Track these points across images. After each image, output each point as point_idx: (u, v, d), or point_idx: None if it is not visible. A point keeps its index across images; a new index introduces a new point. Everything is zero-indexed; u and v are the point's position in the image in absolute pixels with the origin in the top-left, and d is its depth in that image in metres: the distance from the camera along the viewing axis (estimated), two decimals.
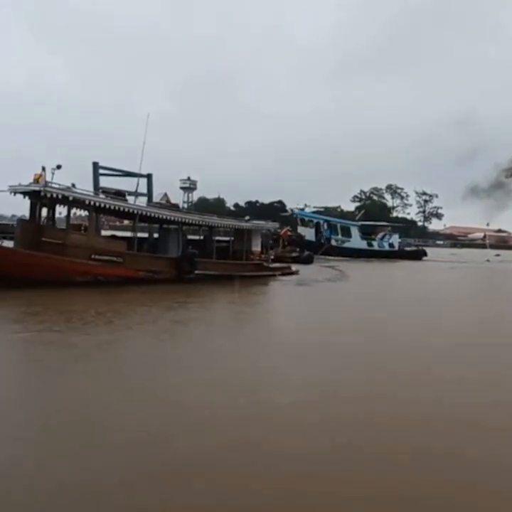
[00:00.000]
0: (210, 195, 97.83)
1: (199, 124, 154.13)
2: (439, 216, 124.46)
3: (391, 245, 44.71)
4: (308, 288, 18.35)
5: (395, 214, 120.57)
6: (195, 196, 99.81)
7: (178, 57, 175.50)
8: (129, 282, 14.50)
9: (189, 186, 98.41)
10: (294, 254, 29.32)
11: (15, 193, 14.78)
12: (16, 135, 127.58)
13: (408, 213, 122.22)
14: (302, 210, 46.09)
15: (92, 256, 14.40)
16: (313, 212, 45.47)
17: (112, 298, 12.64)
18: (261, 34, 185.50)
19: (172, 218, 17.19)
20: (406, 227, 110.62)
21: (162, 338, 8.50)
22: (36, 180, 14.02)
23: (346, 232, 42.99)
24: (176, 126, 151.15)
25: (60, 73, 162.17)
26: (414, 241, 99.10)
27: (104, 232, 20.58)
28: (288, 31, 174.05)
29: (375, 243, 44.34)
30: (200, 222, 18.53)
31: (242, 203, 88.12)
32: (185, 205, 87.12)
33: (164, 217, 16.97)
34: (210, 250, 18.61)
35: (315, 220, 42.48)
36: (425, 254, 45.43)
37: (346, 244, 41.54)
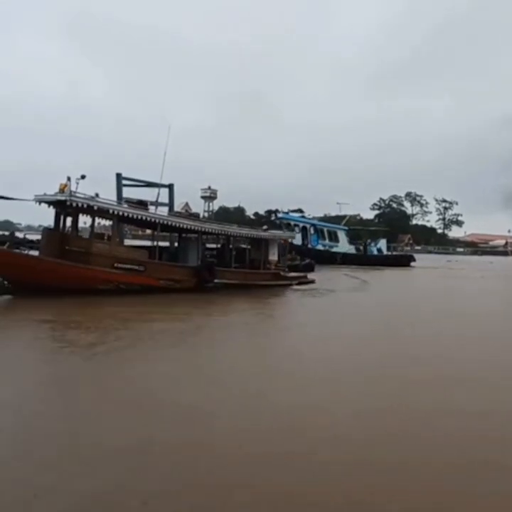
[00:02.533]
0: (231, 204, 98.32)
1: (231, 136, 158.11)
2: (459, 223, 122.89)
3: (379, 251, 43.10)
4: (329, 298, 17.76)
5: (414, 221, 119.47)
6: (216, 205, 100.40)
7: (214, 70, 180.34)
8: (151, 291, 14.52)
9: (210, 195, 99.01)
10: (294, 262, 27.84)
11: (40, 203, 14.83)
12: (50, 145, 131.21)
13: (428, 221, 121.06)
14: (287, 214, 43.96)
15: (115, 264, 14.45)
16: (300, 216, 42.60)
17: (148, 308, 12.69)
18: (295, 46, 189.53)
19: (192, 227, 17.18)
20: (426, 234, 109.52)
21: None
22: (61, 190, 14.08)
23: (334, 237, 41.17)
24: (208, 138, 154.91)
25: (98, 85, 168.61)
26: (434, 249, 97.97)
27: (127, 242, 20.80)
28: (323, 42, 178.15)
29: (363, 248, 42.80)
30: (219, 231, 18.58)
31: (261, 212, 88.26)
32: (206, 214, 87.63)
33: (184, 226, 17.00)
34: (227, 259, 18.63)
35: (301, 225, 39.73)
36: (413, 259, 43.35)
37: (334, 250, 39.60)
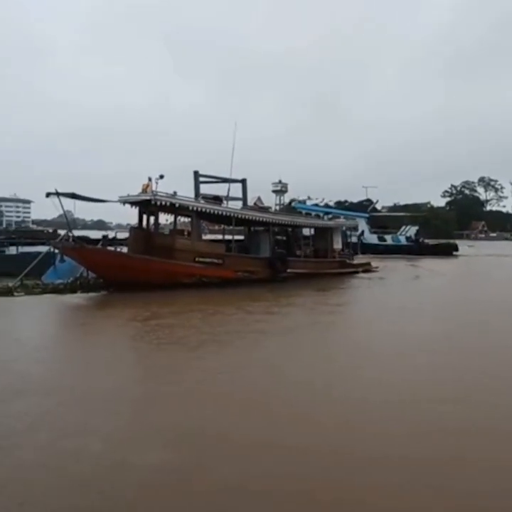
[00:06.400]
0: (302, 198, 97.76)
1: (301, 137, 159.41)
2: None
3: (409, 239, 38.25)
4: (405, 286, 17.02)
5: (488, 207, 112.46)
6: (287, 199, 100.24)
7: (283, 75, 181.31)
8: (230, 282, 14.59)
9: (280, 189, 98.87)
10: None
11: (124, 203, 15.31)
12: (136, 154, 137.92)
13: (504, 206, 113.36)
14: (304, 202, 39.30)
15: (196, 259, 14.68)
16: (314, 204, 38.54)
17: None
18: (362, 44, 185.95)
19: (263, 219, 17.38)
20: (502, 221, 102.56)
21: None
22: (144, 190, 14.51)
23: (352, 226, 37.15)
24: (279, 141, 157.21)
25: (182, 91, 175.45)
26: (511, 235, 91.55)
27: (204, 237, 21.33)
28: (391, 34, 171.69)
29: (388, 237, 38.40)
30: (288, 222, 18.66)
31: (331, 203, 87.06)
32: (278, 208, 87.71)
33: (256, 218, 17.18)
34: (294, 249, 18.74)
35: (313, 213, 33.53)
36: (456, 248, 37.65)
37: (352, 239, 35.32)
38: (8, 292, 12.37)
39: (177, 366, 6.46)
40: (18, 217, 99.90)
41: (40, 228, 40.74)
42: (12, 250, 19.12)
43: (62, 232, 22.22)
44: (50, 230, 26.57)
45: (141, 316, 9.94)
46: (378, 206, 61.48)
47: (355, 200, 52.53)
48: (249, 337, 8.29)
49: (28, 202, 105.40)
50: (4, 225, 32.84)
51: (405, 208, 66.18)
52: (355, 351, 7.23)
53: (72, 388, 5.39)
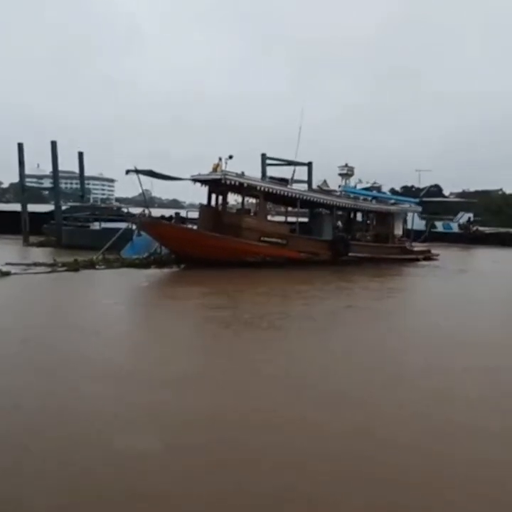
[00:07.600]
0: (368, 181, 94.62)
1: (372, 117, 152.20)
2: None
3: (461, 227, 34.35)
4: (460, 276, 15.73)
5: None
6: (352, 182, 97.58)
7: (366, 57, 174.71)
8: (292, 263, 14.33)
9: (346, 173, 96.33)
10: None
11: (195, 182, 15.31)
12: (211, 139, 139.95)
13: None
14: (354, 187, 35.48)
15: (261, 238, 14.48)
16: (364, 189, 34.43)
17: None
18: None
19: (327, 202, 16.89)
20: None
21: None
22: (214, 170, 14.42)
23: (415, 211, 32.83)
24: (351, 121, 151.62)
25: (256, 79, 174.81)
26: None
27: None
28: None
29: (439, 224, 34.74)
30: (352, 206, 18.08)
31: (397, 188, 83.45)
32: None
33: (320, 201, 16.67)
34: (354, 233, 18.09)
35: (361, 198, 30.97)
36: None
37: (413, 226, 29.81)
38: (92, 265, 12.95)
39: (239, 346, 6.39)
40: (103, 194, 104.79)
41: (107, 205, 43.64)
42: (96, 226, 20.01)
43: (126, 209, 23.03)
44: (115, 207, 29.95)
45: (208, 293, 9.99)
46: (446, 192, 58.00)
47: (421, 186, 49.40)
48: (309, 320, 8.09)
49: (112, 181, 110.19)
50: (91, 202, 35.06)
51: (475, 194, 61.75)
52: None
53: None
